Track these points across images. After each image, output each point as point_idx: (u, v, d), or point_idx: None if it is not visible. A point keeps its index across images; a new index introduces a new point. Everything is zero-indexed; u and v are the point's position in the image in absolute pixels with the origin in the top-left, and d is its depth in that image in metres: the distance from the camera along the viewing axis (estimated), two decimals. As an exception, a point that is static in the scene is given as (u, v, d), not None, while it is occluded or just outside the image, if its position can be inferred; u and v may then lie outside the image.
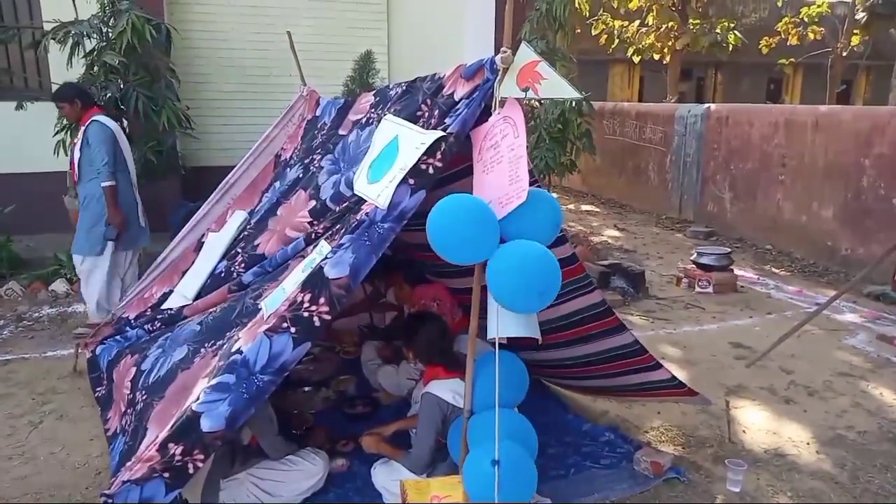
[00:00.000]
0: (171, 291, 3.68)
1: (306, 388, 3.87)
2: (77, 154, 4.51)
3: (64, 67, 5.69)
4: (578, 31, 8.82)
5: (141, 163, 5.76)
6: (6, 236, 5.94)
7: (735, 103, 9.43)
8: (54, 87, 5.90)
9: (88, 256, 4.62)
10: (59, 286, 5.77)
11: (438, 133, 2.40)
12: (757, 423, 3.66)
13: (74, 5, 5.65)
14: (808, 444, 3.45)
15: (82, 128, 4.51)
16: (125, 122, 5.99)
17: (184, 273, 3.69)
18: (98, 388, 3.59)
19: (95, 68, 5.63)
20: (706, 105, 9.05)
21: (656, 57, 16.00)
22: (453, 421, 2.67)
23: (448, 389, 2.69)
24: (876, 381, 4.23)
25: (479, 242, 2.18)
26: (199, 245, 3.75)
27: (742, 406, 3.84)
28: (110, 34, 5.62)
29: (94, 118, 4.50)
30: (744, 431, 3.56)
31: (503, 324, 2.25)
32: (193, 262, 3.67)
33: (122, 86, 5.67)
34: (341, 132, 3.30)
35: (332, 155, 3.26)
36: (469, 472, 2.31)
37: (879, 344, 4.88)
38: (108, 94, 5.65)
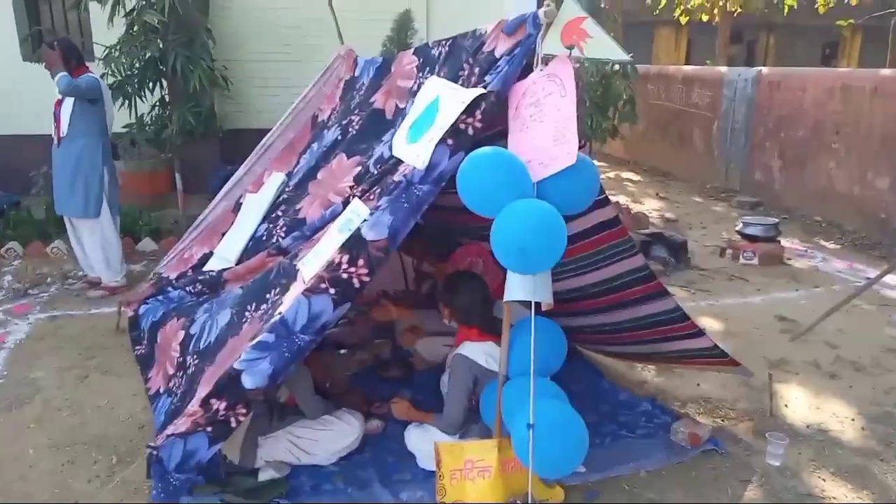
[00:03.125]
0: (211, 253, 3.72)
1: (342, 351, 3.91)
2: (70, 108, 4.48)
3: (105, 27, 5.71)
4: (624, -10, 8.49)
5: (179, 124, 5.80)
6: (52, 196, 6.07)
7: (788, 67, 8.99)
8: (96, 48, 5.98)
9: (85, 219, 4.69)
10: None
11: (479, 90, 2.33)
12: (800, 398, 3.56)
13: (115, -35, 5.66)
14: (852, 420, 3.35)
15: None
16: (164, 83, 6.04)
17: (223, 234, 3.73)
18: (137, 347, 3.66)
19: (135, 28, 5.65)
20: (757, 68, 8.67)
21: (705, 18, 15.33)
22: (486, 384, 2.65)
23: (481, 352, 2.67)
24: (928, 359, 4.07)
25: (504, 192, 2.13)
26: (238, 206, 3.77)
27: (785, 380, 3.73)
28: (151, -7, 5.64)
29: (91, 74, 4.53)
30: (786, 405, 3.47)
31: (511, 287, 2.21)
32: (232, 224, 3.71)
33: (161, 45, 5.68)
34: (376, 105, 3.22)
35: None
36: (515, 438, 2.29)
37: (933, 320, 4.69)
38: (148, 55, 5.68)
